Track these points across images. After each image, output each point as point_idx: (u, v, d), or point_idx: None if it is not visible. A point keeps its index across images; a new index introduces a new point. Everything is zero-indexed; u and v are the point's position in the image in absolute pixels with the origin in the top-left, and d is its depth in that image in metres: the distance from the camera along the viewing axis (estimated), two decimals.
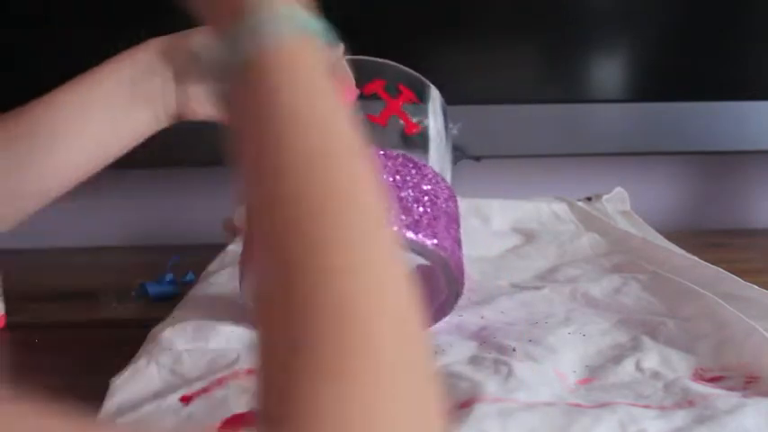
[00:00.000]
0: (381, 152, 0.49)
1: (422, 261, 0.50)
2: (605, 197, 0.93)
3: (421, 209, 0.48)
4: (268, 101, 0.28)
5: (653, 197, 1.11)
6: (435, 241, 0.48)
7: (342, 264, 0.25)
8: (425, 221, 0.47)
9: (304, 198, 0.26)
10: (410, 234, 0.47)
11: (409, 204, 0.47)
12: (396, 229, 0.46)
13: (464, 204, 0.61)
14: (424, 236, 0.47)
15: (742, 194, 1.14)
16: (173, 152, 0.92)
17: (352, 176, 0.28)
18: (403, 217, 0.47)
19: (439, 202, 0.49)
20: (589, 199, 0.93)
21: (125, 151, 0.55)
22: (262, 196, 0.27)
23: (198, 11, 0.33)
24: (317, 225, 0.26)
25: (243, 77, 0.29)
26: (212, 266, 0.73)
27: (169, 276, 0.79)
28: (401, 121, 0.52)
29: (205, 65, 0.31)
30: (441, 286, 0.53)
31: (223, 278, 0.67)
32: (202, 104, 0.55)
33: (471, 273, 0.65)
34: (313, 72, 0.29)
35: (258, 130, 0.28)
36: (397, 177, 0.48)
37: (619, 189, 0.94)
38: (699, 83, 1.01)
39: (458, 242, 0.50)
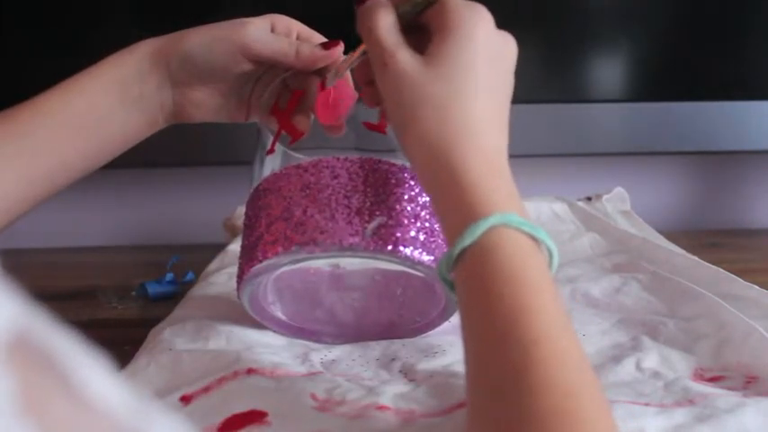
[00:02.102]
0: (376, 162, 0.48)
1: (419, 275, 0.50)
2: (605, 197, 0.93)
3: (418, 224, 0.47)
4: (493, 274, 0.35)
5: (653, 197, 1.11)
6: (432, 257, 0.47)
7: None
8: (422, 237, 0.47)
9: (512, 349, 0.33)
10: (406, 250, 0.46)
11: (406, 219, 0.47)
12: (392, 245, 0.46)
13: None
14: (420, 252, 0.47)
15: (742, 194, 1.14)
16: (173, 152, 0.92)
17: (548, 312, 0.34)
18: (399, 234, 0.47)
19: None
20: (589, 199, 0.93)
21: (119, 153, 0.54)
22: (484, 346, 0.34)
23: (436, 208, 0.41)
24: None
25: (468, 262, 0.36)
26: (212, 266, 0.73)
27: (169, 276, 0.79)
28: None
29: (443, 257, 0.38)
30: (439, 294, 0.52)
31: (223, 278, 0.67)
32: (199, 107, 0.54)
33: None
34: (528, 259, 0.36)
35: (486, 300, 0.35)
36: (395, 190, 0.48)
37: (619, 189, 0.94)
38: (699, 83, 1.01)
39: None
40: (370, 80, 0.45)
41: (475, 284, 0.36)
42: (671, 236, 0.85)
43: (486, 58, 0.40)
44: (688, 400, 0.43)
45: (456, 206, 0.38)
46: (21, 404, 0.14)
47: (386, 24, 0.41)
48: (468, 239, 0.36)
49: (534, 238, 0.37)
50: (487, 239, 0.36)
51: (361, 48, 0.45)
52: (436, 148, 0.39)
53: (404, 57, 0.40)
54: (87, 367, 0.16)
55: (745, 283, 0.61)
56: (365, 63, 0.45)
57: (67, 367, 0.16)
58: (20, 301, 0.16)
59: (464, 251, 0.36)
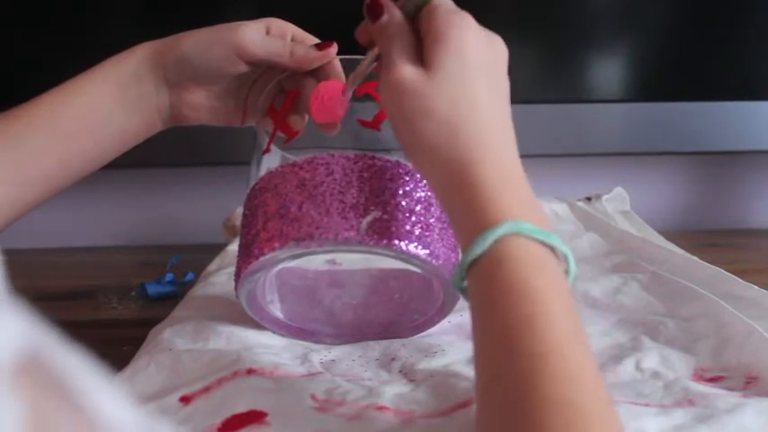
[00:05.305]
0: (371, 158, 0.48)
1: (415, 269, 0.50)
2: (605, 197, 0.93)
3: (413, 218, 0.47)
4: (503, 282, 0.35)
5: (653, 197, 1.11)
6: (428, 251, 0.47)
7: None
8: (417, 231, 0.47)
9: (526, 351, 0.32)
10: (402, 244, 0.46)
11: (401, 214, 0.47)
12: (387, 239, 0.46)
13: None
14: (416, 246, 0.47)
15: (742, 194, 1.15)
16: (173, 152, 0.92)
17: (556, 324, 0.33)
18: (394, 228, 0.47)
19: (432, 209, 0.49)
20: (589, 199, 0.93)
21: (117, 155, 0.55)
22: (494, 352, 0.34)
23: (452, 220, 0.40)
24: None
25: (479, 272, 0.36)
26: (212, 266, 0.73)
27: (169, 276, 0.79)
28: None
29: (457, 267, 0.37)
30: (437, 291, 0.52)
31: (223, 278, 0.67)
32: (195, 109, 0.55)
33: None
34: (540, 268, 0.35)
35: (497, 310, 0.35)
36: (390, 186, 0.48)
37: (619, 189, 0.94)
38: (699, 83, 1.01)
39: (452, 248, 0.50)
40: None
41: (484, 295, 0.36)
42: (670, 236, 0.85)
43: (483, 64, 0.40)
44: (688, 400, 0.43)
45: (468, 215, 0.37)
46: (30, 428, 0.14)
47: (396, 24, 0.41)
48: (477, 249, 0.35)
49: (548, 246, 0.36)
50: (497, 249, 0.35)
51: (375, 51, 0.45)
52: (446, 160, 0.39)
53: (404, 66, 0.40)
54: (98, 389, 0.16)
55: (745, 283, 0.61)
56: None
57: (78, 390, 0.15)
58: (28, 321, 0.16)
59: (475, 261, 0.36)
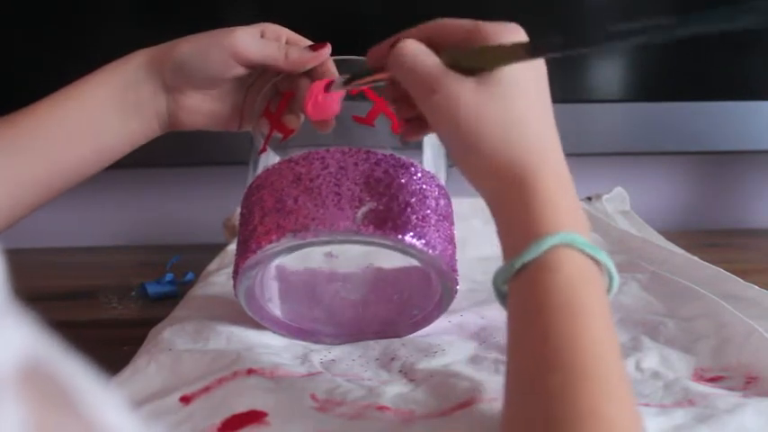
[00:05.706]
0: (365, 152, 0.49)
1: (413, 262, 0.50)
2: (605, 197, 0.93)
3: (409, 209, 0.48)
4: (543, 295, 0.35)
5: (653, 197, 1.11)
6: (423, 241, 0.48)
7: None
8: (413, 222, 0.47)
9: (568, 365, 0.32)
10: (398, 234, 0.47)
11: (396, 205, 0.47)
12: (383, 230, 0.47)
13: (467, 205, 0.61)
14: (412, 236, 0.47)
15: (742, 194, 1.15)
16: (173, 152, 0.92)
17: (600, 342, 0.34)
18: (389, 219, 0.47)
19: (428, 201, 0.49)
20: (589, 199, 0.93)
21: (116, 159, 0.56)
22: (534, 365, 0.34)
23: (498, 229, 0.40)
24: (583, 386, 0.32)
25: (526, 278, 0.36)
26: (212, 266, 0.73)
27: (169, 276, 0.80)
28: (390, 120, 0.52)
29: (497, 275, 0.38)
30: (435, 285, 0.53)
31: (223, 278, 0.67)
32: (192, 114, 0.55)
33: (473, 273, 0.65)
34: (582, 281, 0.36)
35: (536, 319, 0.35)
36: (384, 178, 0.48)
37: (619, 189, 0.94)
38: (699, 83, 1.01)
39: (449, 240, 0.50)
40: (397, 97, 0.46)
41: (530, 302, 0.36)
42: (670, 236, 0.85)
43: (533, 72, 0.41)
44: (688, 400, 0.43)
45: (522, 221, 0.37)
46: None
47: (423, 52, 0.41)
48: (529, 255, 0.35)
49: (596, 261, 0.37)
50: (549, 258, 0.35)
51: (375, 77, 0.46)
52: (504, 167, 0.39)
53: (453, 80, 0.40)
54: (100, 399, 0.16)
55: (745, 283, 0.61)
56: (395, 84, 0.46)
57: (81, 399, 0.16)
58: (32, 329, 0.16)
59: (523, 267, 0.36)
